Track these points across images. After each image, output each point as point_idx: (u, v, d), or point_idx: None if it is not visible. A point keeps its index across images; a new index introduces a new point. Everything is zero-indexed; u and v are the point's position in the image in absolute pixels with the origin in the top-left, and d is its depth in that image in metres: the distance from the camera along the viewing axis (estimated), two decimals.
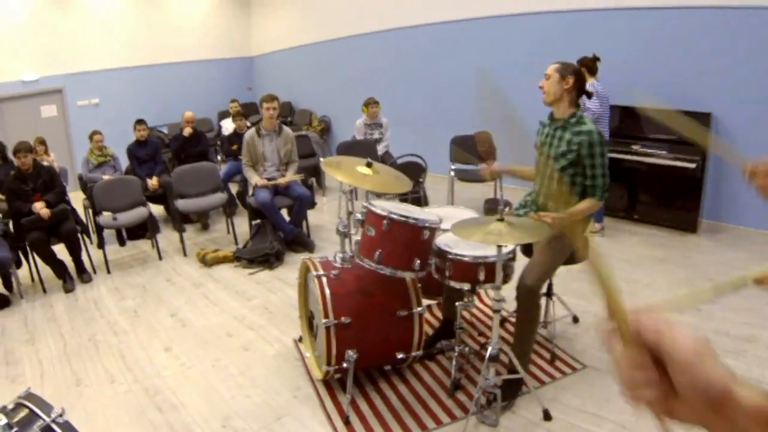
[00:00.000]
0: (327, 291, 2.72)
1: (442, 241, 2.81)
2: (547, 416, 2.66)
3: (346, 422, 2.76)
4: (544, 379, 2.98)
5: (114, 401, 3.22)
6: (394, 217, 2.64)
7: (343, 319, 2.70)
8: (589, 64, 5.26)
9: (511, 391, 2.79)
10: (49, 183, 5.09)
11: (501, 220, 2.43)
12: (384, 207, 2.72)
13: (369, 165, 2.97)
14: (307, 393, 3.06)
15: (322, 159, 3.39)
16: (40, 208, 4.86)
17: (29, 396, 1.96)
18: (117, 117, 9.10)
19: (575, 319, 3.52)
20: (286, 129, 5.32)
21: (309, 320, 3.21)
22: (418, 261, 2.68)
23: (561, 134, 2.81)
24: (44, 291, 5.04)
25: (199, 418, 2.97)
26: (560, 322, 3.47)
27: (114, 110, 9.57)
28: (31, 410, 1.87)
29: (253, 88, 11.36)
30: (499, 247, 2.46)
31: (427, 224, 2.68)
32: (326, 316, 2.68)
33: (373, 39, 8.39)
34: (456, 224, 2.54)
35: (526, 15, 6.32)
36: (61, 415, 1.85)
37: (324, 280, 2.77)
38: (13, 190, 4.97)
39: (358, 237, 2.89)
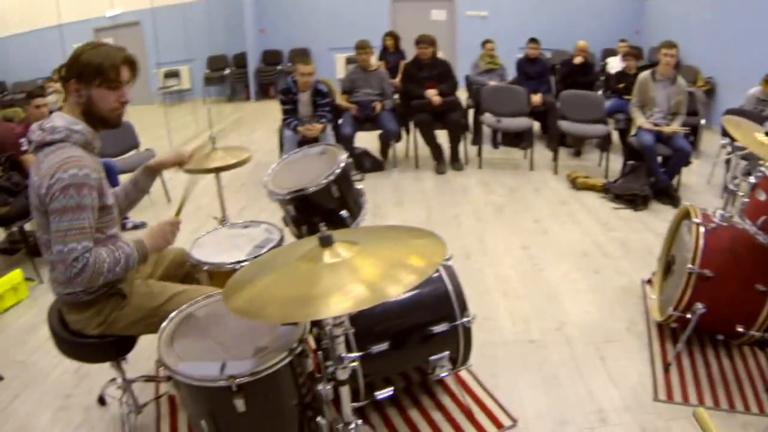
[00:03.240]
0: (701, 240, 2.77)
1: None
2: None
3: (666, 370, 2.85)
4: None
5: (465, 275, 3.70)
6: None
7: (706, 271, 2.73)
8: None
9: None
10: (443, 75, 5.73)
11: None
12: None
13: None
14: (640, 330, 3.19)
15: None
16: (433, 94, 5.54)
17: None
18: (502, 32, 9.23)
19: None
20: (681, 80, 5.18)
21: (667, 264, 3.30)
22: None
23: None
24: (416, 166, 5.83)
25: (538, 314, 3.33)
26: None
27: (500, 25, 9.87)
28: None
29: (640, 32, 10.74)
30: None
31: None
32: (693, 262, 2.75)
33: None
34: None
35: None
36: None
37: (701, 229, 2.81)
38: (410, 74, 5.76)
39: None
